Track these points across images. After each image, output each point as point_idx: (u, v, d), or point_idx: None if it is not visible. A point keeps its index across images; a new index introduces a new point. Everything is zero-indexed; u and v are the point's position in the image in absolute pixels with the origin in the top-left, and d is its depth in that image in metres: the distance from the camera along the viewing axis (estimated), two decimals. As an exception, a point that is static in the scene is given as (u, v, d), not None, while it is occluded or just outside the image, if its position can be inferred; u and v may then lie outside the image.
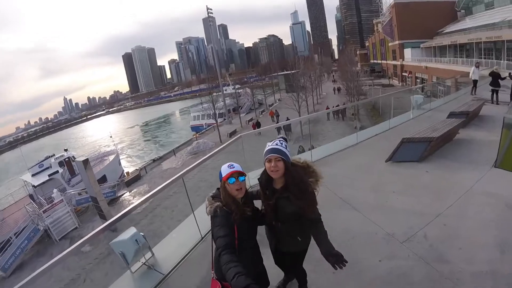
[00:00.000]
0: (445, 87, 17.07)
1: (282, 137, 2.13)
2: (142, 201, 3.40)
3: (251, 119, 40.15)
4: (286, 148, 2.05)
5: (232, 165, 2.06)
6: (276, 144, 2.05)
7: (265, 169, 2.13)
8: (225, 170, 2.04)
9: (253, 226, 2.21)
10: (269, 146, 2.07)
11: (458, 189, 4.43)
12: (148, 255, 3.82)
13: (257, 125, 32.77)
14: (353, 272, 3.05)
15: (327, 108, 28.62)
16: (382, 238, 3.58)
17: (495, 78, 11.18)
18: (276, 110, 36.73)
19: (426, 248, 3.28)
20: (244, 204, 2.11)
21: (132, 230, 3.73)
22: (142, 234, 3.75)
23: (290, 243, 2.30)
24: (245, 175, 2.08)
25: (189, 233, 4.10)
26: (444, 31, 41.78)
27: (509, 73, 11.86)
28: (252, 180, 5.34)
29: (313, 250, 2.22)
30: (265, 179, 2.15)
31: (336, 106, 27.79)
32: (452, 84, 16.96)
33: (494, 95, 11.04)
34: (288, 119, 28.92)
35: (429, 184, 4.83)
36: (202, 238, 3.99)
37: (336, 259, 1.97)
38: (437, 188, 4.62)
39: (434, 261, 3.08)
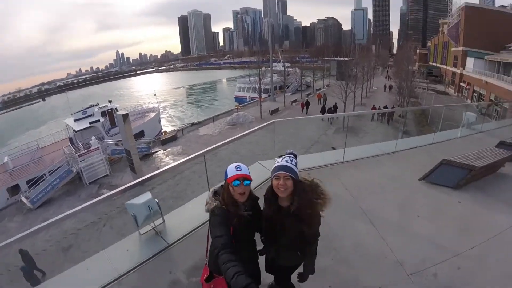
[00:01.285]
0: (502, 108, 15.68)
1: (291, 153, 2.03)
2: (160, 172, 3.68)
3: (296, 100, 39.57)
4: (295, 165, 1.96)
5: (239, 167, 1.99)
6: (286, 161, 1.96)
7: (271, 185, 2.05)
8: (231, 171, 1.97)
9: (251, 229, 2.17)
10: (278, 162, 1.98)
11: (488, 231, 4.05)
12: (159, 221, 4.00)
13: (306, 104, 32.49)
14: (351, 292, 2.99)
15: (373, 107, 26.88)
16: (390, 264, 3.41)
17: None
18: (324, 94, 35.89)
19: (432, 288, 3.09)
20: (244, 207, 2.06)
21: (147, 196, 3.88)
22: (157, 201, 3.89)
23: (288, 258, 2.27)
24: (251, 180, 2.00)
25: (202, 208, 4.15)
26: (513, 47, 37.86)
27: None
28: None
29: None
30: (271, 195, 2.08)
31: (384, 107, 26.00)
32: (510, 107, 15.51)
33: None
34: (336, 105, 28.67)
35: (458, 217, 4.47)
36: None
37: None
38: (466, 223, 4.27)
39: (436, 305, 2.89)
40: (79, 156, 17.61)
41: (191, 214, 4.26)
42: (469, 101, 35.82)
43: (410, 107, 26.67)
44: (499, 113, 14.86)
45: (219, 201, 2.00)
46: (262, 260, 2.50)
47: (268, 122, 5.06)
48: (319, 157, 6.81)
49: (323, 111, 28.81)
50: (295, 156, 2.02)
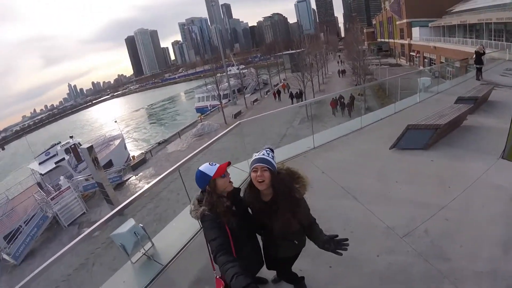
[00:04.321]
0: (453, 68, 16.66)
1: (268, 148, 2.09)
2: (137, 196, 3.35)
3: (256, 100, 40.57)
4: (272, 158, 2.01)
5: (212, 163, 2.04)
6: (263, 154, 2.00)
7: (249, 184, 2.10)
8: (209, 169, 1.99)
9: (246, 222, 2.15)
10: (255, 156, 2.02)
11: (464, 181, 4.28)
12: (148, 245, 3.87)
13: (278, 93, 36.42)
14: (350, 266, 3.03)
15: (332, 102, 24.96)
16: (382, 232, 3.50)
17: (479, 56, 11.88)
18: (287, 83, 37.13)
19: (426, 244, 3.20)
20: (231, 201, 2.07)
21: (130, 223, 3.76)
22: (142, 225, 3.78)
23: (287, 248, 2.28)
24: (229, 164, 2.08)
25: (188, 223, 4.09)
26: (454, 10, 40.05)
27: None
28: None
29: (311, 243, 2.22)
30: (252, 194, 2.11)
31: (339, 98, 24.92)
32: (461, 65, 16.50)
33: (478, 72, 12.00)
34: (301, 90, 30.26)
35: (433, 174, 4.67)
36: (201, 227, 3.98)
37: (334, 244, 2.02)
38: (442, 178, 4.47)
39: (433, 258, 3.00)
40: (52, 199, 16.89)
41: (179, 231, 4.18)
42: (421, 68, 37.66)
43: (367, 84, 27.43)
44: (452, 73, 15.77)
45: (205, 205, 1.97)
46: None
47: (234, 125, 5.02)
48: (291, 148, 6.88)
49: (291, 96, 32.18)
50: (272, 150, 2.07)
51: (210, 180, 1.98)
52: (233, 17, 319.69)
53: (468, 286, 2.67)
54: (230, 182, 2.05)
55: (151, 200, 14.96)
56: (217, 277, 2.01)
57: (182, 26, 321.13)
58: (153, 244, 3.91)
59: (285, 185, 1.99)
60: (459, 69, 16.18)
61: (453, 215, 3.60)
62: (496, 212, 3.58)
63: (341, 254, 2.00)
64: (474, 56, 12.09)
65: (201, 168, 2.02)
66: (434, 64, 36.78)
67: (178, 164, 3.72)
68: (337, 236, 1.99)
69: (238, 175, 5.05)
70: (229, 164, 2.05)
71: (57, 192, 17.69)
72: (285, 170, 2.08)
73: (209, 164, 2.02)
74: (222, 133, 4.72)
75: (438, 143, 5.74)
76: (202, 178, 2.01)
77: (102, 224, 2.90)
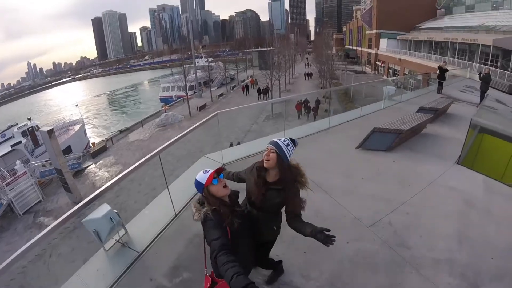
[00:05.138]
0: (416, 80, 17.73)
1: (290, 138, 2.23)
2: (116, 181, 3.36)
3: (222, 94, 40.49)
4: (287, 147, 2.16)
5: (205, 170, 2.08)
6: (279, 140, 2.18)
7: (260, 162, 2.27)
8: (203, 177, 2.05)
9: (244, 223, 2.17)
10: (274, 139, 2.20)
11: (422, 181, 4.76)
12: (122, 232, 3.74)
13: (246, 87, 36.85)
14: (323, 252, 3.20)
15: (298, 105, 24.86)
16: (350, 221, 3.83)
17: (442, 72, 12.76)
18: (255, 79, 37.66)
19: (390, 234, 3.57)
20: (232, 202, 2.16)
21: (105, 208, 3.58)
22: (116, 211, 3.64)
23: (267, 233, 2.45)
24: (223, 171, 2.14)
25: (163, 210, 4.08)
26: (422, 27, 42.53)
27: (479, 73, 12.61)
28: (225, 157, 5.48)
29: (286, 230, 2.36)
30: (262, 169, 2.26)
31: (305, 101, 25.17)
32: (423, 79, 17.63)
33: (439, 86, 12.84)
34: (267, 87, 30.59)
35: (395, 173, 5.13)
36: (176, 215, 3.99)
37: (324, 236, 2.09)
38: (403, 177, 4.93)
39: (397, 246, 3.36)
40: (7, 185, 15.55)
41: (153, 218, 4.14)
42: (385, 77, 39.60)
43: (333, 88, 28.43)
44: (414, 85, 16.79)
45: (207, 207, 2.03)
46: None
47: (211, 115, 5.06)
48: (262, 143, 7.02)
49: (259, 91, 32.89)
50: (292, 141, 2.22)
51: (204, 187, 2.04)
52: (206, 8, 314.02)
53: (428, 271, 3.03)
54: (225, 187, 2.07)
55: (111, 189, 14.44)
56: (207, 274, 2.08)
57: (152, 12, 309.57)
58: (126, 231, 3.79)
59: (291, 175, 2.20)
60: (421, 82, 17.26)
61: (413, 210, 4.02)
62: (450, 210, 4.06)
63: (328, 246, 2.09)
64: (438, 71, 12.96)
65: (197, 176, 2.08)
66: (398, 75, 38.91)
67: (158, 149, 3.68)
68: (329, 230, 2.10)
69: (214, 165, 5.14)
70: (221, 170, 2.10)
71: (13, 177, 16.36)
72: (294, 165, 2.27)
73: (203, 172, 2.06)
74: (199, 123, 4.73)
75: (400, 146, 6.25)
76: (197, 186, 2.07)
77: (74, 213, 2.77)
